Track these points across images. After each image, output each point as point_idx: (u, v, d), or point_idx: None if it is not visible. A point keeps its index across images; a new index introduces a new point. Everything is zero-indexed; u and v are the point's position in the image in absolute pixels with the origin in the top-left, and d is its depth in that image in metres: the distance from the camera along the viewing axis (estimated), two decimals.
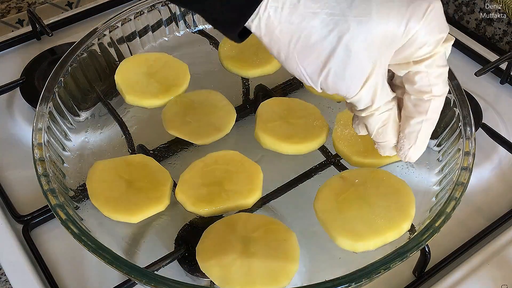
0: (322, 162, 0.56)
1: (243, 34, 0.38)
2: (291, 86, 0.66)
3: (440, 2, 0.38)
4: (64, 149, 0.55)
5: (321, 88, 0.39)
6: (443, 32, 0.38)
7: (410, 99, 0.40)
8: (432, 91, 0.39)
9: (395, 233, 0.47)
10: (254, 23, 0.37)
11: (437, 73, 0.39)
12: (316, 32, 0.36)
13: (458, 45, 0.76)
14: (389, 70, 0.41)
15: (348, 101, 0.40)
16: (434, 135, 0.57)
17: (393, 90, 0.41)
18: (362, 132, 0.43)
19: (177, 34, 0.70)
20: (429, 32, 0.37)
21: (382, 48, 0.37)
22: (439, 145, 0.56)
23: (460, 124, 0.53)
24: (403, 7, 0.36)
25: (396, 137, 0.42)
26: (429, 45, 0.38)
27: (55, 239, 0.55)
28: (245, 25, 0.37)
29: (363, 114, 0.41)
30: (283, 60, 0.38)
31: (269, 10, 0.36)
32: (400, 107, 0.42)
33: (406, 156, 0.43)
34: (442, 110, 0.56)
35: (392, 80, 0.43)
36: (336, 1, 0.36)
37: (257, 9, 0.36)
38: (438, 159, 0.55)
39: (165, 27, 0.69)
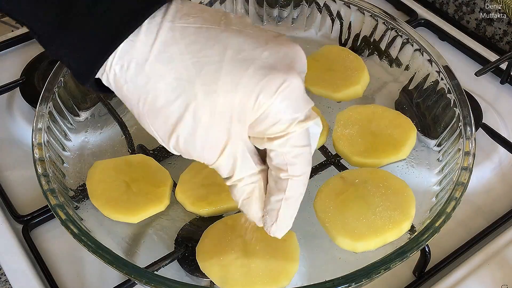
0: (322, 162, 0.56)
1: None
2: None
3: (300, 79, 0.35)
4: (64, 149, 0.55)
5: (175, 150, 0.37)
6: (299, 111, 0.35)
7: (271, 175, 0.37)
8: (289, 170, 0.36)
9: (395, 233, 0.47)
10: (103, 78, 0.36)
11: (294, 153, 0.36)
12: (163, 95, 0.34)
13: (458, 45, 0.76)
14: None
15: (209, 167, 0.38)
16: (434, 135, 0.57)
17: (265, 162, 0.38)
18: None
19: None
20: (282, 110, 0.34)
21: (234, 120, 0.35)
22: (439, 145, 0.56)
23: (460, 124, 0.53)
24: (255, 79, 0.34)
25: (260, 212, 0.39)
26: (282, 124, 0.35)
27: (55, 239, 0.55)
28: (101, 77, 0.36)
29: (227, 183, 0.38)
30: (136, 117, 0.36)
31: (114, 67, 0.34)
32: None
33: (270, 232, 0.39)
34: (442, 110, 0.57)
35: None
36: (185, 66, 0.34)
37: (103, 65, 0.35)
38: (438, 159, 0.55)
39: None
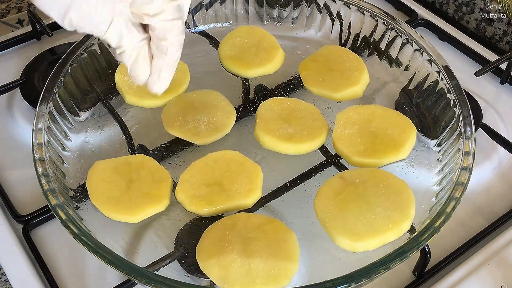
0: (322, 162, 0.56)
1: None
2: (291, 86, 0.66)
3: None
4: (64, 149, 0.55)
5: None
6: None
7: (154, 42, 0.44)
8: (168, 38, 0.43)
9: (395, 233, 0.47)
10: None
11: (170, 24, 0.42)
12: None
13: (458, 45, 0.76)
14: None
15: (100, 38, 0.43)
16: (434, 135, 0.57)
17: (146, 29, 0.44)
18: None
19: None
20: None
21: (116, 0, 0.40)
22: (439, 145, 0.56)
23: (460, 124, 0.53)
24: None
25: (146, 72, 0.45)
26: (156, 2, 0.41)
27: (55, 239, 0.55)
28: None
29: (117, 52, 0.44)
30: (35, 3, 0.40)
31: None
32: None
33: (153, 89, 0.46)
34: (442, 110, 0.57)
35: None
36: None
37: None
38: (438, 159, 0.55)
39: None
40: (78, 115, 0.59)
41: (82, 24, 0.40)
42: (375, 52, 0.66)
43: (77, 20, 0.40)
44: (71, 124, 0.57)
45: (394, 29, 0.63)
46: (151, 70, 0.45)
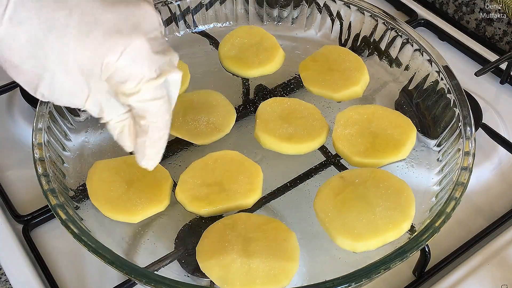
0: (322, 162, 0.56)
1: None
2: (291, 86, 0.66)
3: (144, 39, 0.37)
4: (64, 149, 0.55)
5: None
6: (148, 70, 0.38)
7: (135, 119, 0.40)
8: (147, 118, 0.39)
9: (395, 233, 0.47)
10: None
11: (148, 105, 0.39)
12: (17, 55, 0.36)
13: (458, 45, 0.76)
14: None
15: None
16: (434, 135, 0.57)
17: None
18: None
19: (177, 34, 0.70)
20: (129, 70, 0.37)
21: (90, 75, 0.37)
22: (439, 145, 0.56)
23: (460, 124, 0.53)
24: (98, 44, 0.36)
25: (132, 146, 0.43)
26: (132, 82, 0.38)
27: (55, 239, 0.55)
28: None
29: (101, 121, 0.41)
30: (5, 70, 0.38)
31: None
32: None
33: (141, 165, 0.43)
34: (442, 110, 0.57)
35: None
36: (34, 30, 0.36)
37: None
38: (438, 159, 0.55)
39: (165, 27, 0.69)
40: (78, 115, 0.59)
41: (56, 97, 0.38)
42: (375, 52, 0.66)
43: (49, 93, 0.38)
44: (71, 124, 0.57)
45: (394, 29, 0.63)
46: (134, 148, 0.42)
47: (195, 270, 0.48)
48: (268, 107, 0.59)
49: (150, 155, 0.42)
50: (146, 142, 0.41)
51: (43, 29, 0.36)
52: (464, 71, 0.73)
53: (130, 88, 0.38)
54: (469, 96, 0.65)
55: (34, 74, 0.37)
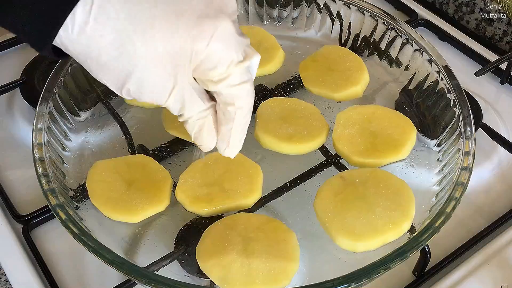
0: (322, 162, 0.56)
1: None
2: (291, 86, 0.66)
3: (230, 22, 0.37)
4: (64, 149, 0.55)
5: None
6: (235, 52, 0.38)
7: (220, 108, 0.41)
8: (235, 104, 0.40)
9: (395, 233, 0.47)
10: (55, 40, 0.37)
11: (237, 89, 0.39)
12: (105, 53, 0.36)
13: (458, 45, 0.76)
14: None
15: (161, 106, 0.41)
16: (434, 135, 0.57)
17: (212, 97, 0.41)
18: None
19: None
20: (219, 54, 0.37)
21: (177, 67, 0.37)
22: (439, 145, 0.56)
23: (460, 124, 0.53)
24: (187, 29, 0.36)
25: (212, 141, 0.43)
26: (221, 66, 0.38)
27: (55, 239, 0.55)
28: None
29: (179, 120, 0.41)
30: (89, 71, 0.38)
31: (59, 31, 0.36)
32: None
33: (224, 154, 0.44)
34: (442, 110, 0.57)
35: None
36: (122, 24, 0.35)
37: None
38: (438, 159, 0.55)
39: None
40: (78, 115, 0.59)
41: (141, 93, 0.38)
42: (375, 52, 0.66)
43: (135, 90, 0.38)
44: (71, 124, 0.57)
45: (394, 29, 0.63)
46: (218, 138, 0.42)
47: (195, 270, 0.48)
48: (268, 107, 0.59)
49: (234, 142, 0.42)
50: (232, 129, 0.41)
51: (131, 23, 0.35)
52: (464, 71, 0.73)
53: (219, 73, 0.38)
54: (469, 96, 0.65)
55: (123, 70, 0.37)
